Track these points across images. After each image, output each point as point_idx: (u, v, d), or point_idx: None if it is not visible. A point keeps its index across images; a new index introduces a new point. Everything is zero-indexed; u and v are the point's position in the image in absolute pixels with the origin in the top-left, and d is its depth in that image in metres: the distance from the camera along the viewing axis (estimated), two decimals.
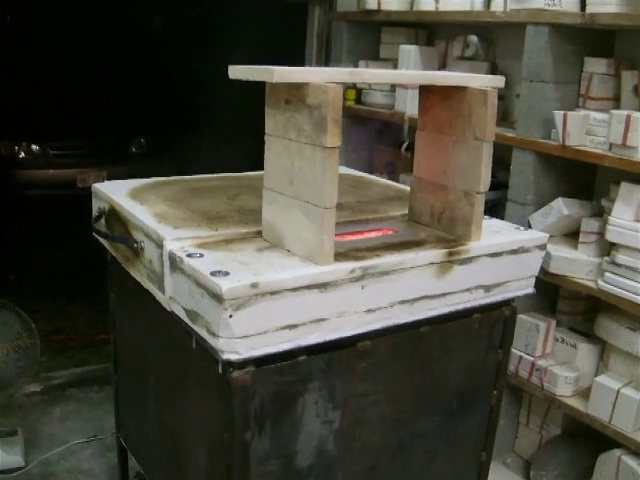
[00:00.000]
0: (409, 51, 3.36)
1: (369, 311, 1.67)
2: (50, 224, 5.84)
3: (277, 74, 1.50)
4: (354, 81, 1.92)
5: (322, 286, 1.57)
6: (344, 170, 2.65)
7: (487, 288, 1.90)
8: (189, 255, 1.61)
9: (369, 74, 1.92)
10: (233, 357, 1.50)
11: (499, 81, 1.87)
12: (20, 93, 6.32)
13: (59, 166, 6.43)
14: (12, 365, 2.88)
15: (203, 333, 1.56)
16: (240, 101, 5.62)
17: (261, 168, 1.73)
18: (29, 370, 2.98)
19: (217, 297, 1.45)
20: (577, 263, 2.67)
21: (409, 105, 3.26)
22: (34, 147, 6.44)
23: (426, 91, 1.93)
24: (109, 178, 2.88)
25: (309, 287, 1.55)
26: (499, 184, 2.97)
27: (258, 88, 1.70)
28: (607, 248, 2.60)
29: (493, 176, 1.86)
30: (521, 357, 2.92)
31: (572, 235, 2.83)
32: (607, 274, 2.55)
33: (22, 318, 2.96)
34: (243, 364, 1.54)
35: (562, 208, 2.75)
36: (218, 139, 6.76)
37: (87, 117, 6.49)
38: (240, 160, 3.20)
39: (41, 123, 6.45)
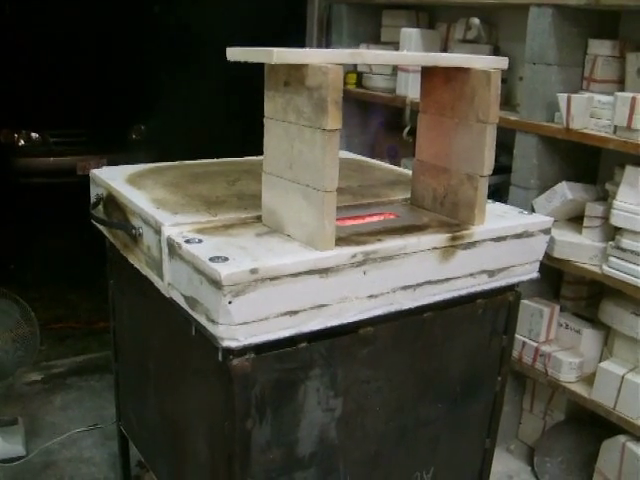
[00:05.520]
0: (410, 34, 3.32)
1: (371, 297, 1.65)
2: (50, 212, 5.83)
3: (276, 55, 1.47)
4: (355, 62, 1.89)
5: (323, 271, 1.54)
6: (345, 154, 2.62)
7: (491, 273, 1.88)
8: (188, 241, 1.58)
9: (370, 55, 1.89)
10: (233, 344, 1.48)
11: (502, 62, 1.83)
12: (20, 81, 6.29)
13: (59, 154, 6.45)
14: (12, 354, 2.87)
15: (202, 320, 1.53)
16: (241, 85, 5.58)
17: (261, 152, 1.70)
18: (29, 359, 2.97)
19: (216, 283, 1.43)
20: (581, 248, 2.65)
21: (411, 89, 3.23)
22: (34, 135, 6.44)
23: (428, 73, 1.90)
24: (109, 165, 2.86)
25: (310, 272, 1.52)
26: (502, 168, 2.94)
27: (258, 72, 1.67)
28: (612, 233, 2.58)
29: (496, 160, 1.83)
30: (525, 343, 2.91)
31: (576, 219, 2.81)
32: (612, 259, 2.53)
33: (21, 306, 2.94)
34: (243, 351, 1.51)
35: (566, 192, 2.72)
36: (219, 125, 6.71)
37: (87, 104, 6.48)
38: (241, 145, 3.17)
39: (41, 111, 6.44)
